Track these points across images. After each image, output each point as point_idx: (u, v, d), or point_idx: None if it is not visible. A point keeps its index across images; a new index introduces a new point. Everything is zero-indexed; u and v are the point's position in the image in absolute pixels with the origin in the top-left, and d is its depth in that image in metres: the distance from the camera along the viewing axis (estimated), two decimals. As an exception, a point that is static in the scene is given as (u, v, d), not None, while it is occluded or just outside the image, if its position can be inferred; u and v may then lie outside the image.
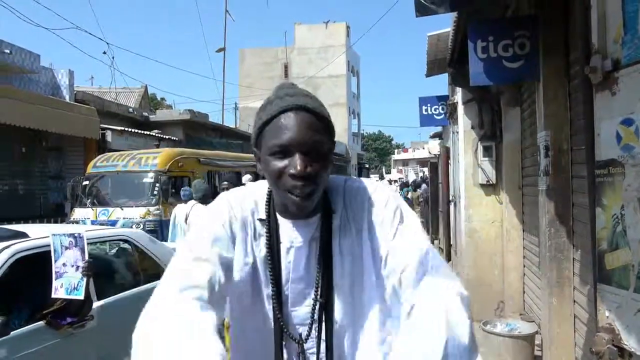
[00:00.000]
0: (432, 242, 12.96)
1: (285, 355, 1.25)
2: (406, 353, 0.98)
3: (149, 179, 9.77)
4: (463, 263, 7.12)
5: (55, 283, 3.14)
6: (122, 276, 4.36)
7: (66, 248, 3.15)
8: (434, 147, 16.55)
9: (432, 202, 13.94)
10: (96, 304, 3.54)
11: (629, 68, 2.34)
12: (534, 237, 5.22)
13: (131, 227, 8.10)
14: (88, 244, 3.20)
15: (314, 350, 1.25)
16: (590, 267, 2.88)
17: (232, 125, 28.70)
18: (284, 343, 1.25)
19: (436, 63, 8.42)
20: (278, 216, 1.27)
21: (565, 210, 3.98)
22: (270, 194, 1.29)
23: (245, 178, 9.15)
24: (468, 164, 6.89)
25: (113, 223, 8.93)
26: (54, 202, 13.53)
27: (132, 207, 9.41)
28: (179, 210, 7.37)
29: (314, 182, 1.15)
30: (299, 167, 1.13)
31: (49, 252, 3.18)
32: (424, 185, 18.43)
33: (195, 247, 1.20)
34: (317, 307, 1.23)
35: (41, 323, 3.18)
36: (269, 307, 1.25)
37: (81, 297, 3.09)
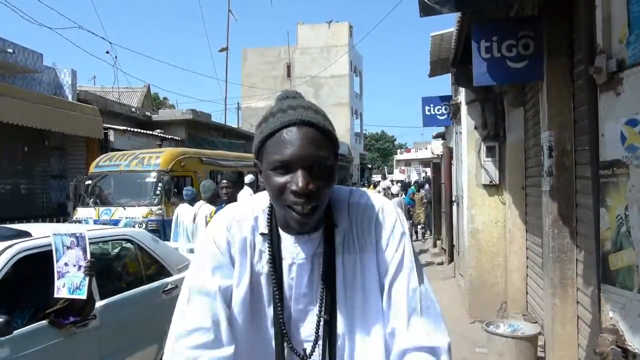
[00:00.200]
0: (435, 243, 12.87)
1: None
2: None
3: (151, 178, 9.77)
4: (466, 264, 7.11)
5: (57, 283, 3.14)
6: (125, 276, 4.36)
7: (68, 248, 3.15)
8: (436, 147, 16.50)
9: (435, 203, 13.93)
10: (99, 304, 3.54)
11: (634, 68, 2.33)
12: (537, 237, 5.21)
13: (134, 226, 8.11)
14: (90, 243, 3.20)
15: None
16: (594, 268, 2.87)
17: (235, 125, 28.70)
18: (286, 357, 1.24)
19: (439, 63, 8.41)
20: (280, 231, 1.26)
21: (569, 211, 3.97)
22: (271, 208, 1.27)
23: (248, 178, 9.14)
24: (471, 165, 6.88)
25: (115, 222, 8.93)
26: (57, 201, 13.55)
27: (134, 206, 9.41)
28: (182, 210, 7.37)
29: (316, 199, 1.13)
30: (300, 184, 1.10)
31: (52, 251, 3.18)
32: (426, 186, 18.40)
33: (196, 280, 1.25)
34: (322, 323, 1.22)
35: (44, 322, 3.19)
36: (271, 324, 1.25)
37: (84, 296, 3.09)
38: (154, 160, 9.95)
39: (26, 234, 3.48)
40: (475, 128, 6.88)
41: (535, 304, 5.55)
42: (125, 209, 9.36)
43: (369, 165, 53.14)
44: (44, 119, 11.26)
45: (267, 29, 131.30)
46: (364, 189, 1.76)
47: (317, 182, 1.12)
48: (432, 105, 10.35)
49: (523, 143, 6.02)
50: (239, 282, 1.24)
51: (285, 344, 1.23)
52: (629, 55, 2.36)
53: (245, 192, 8.50)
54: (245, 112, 36.63)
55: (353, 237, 1.25)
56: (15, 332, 2.95)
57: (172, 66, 48.64)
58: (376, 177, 36.01)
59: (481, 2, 4.49)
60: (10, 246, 3.20)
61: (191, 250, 5.69)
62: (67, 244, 3.15)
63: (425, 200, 16.23)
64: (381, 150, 72.79)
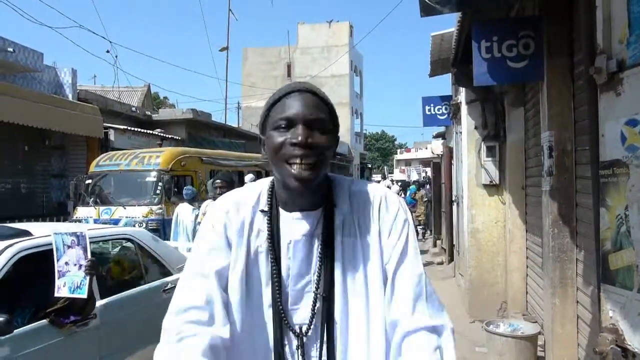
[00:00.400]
0: (435, 243, 12.86)
1: (286, 349, 1.23)
2: None
3: (151, 178, 9.78)
4: (466, 263, 7.12)
5: (57, 282, 3.14)
6: (125, 275, 4.37)
7: (68, 247, 3.15)
8: (437, 147, 16.51)
9: (435, 202, 13.93)
10: (99, 303, 3.54)
11: (634, 69, 2.33)
12: (537, 237, 5.21)
13: (134, 226, 8.11)
14: (91, 242, 3.20)
15: (315, 344, 1.23)
16: (594, 268, 2.87)
17: (235, 125, 28.69)
18: (284, 337, 1.23)
19: (440, 63, 8.41)
20: (280, 210, 1.27)
21: (569, 211, 3.97)
22: (273, 187, 1.29)
23: (248, 178, 9.14)
24: (471, 164, 6.88)
25: (116, 222, 8.94)
26: (57, 200, 13.55)
27: (134, 206, 9.41)
28: (182, 209, 7.38)
29: (314, 155, 1.16)
30: (300, 137, 1.15)
31: (52, 250, 3.18)
32: (427, 186, 18.42)
33: (194, 262, 1.27)
34: (318, 301, 1.22)
35: (44, 321, 3.19)
36: (269, 305, 1.24)
37: (84, 295, 3.09)
38: (154, 160, 9.95)
39: (26, 233, 3.49)
40: (476, 128, 6.88)
41: (535, 304, 5.55)
42: (125, 208, 9.36)
43: (369, 165, 53.12)
44: (45, 118, 11.26)
45: (267, 28, 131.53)
46: None
47: (316, 139, 1.17)
48: (432, 105, 10.35)
49: (523, 143, 6.02)
50: (236, 262, 1.24)
51: (283, 324, 1.22)
52: (629, 56, 2.36)
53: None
54: (246, 112, 36.60)
55: (353, 221, 1.26)
56: (15, 331, 2.96)
57: (173, 65, 48.62)
58: (376, 177, 36.01)
59: (482, 2, 4.49)
60: (10, 245, 3.21)
61: (191, 250, 5.69)
62: (67, 243, 3.15)
63: (426, 199, 16.24)
64: (381, 150, 72.82)
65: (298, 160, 1.15)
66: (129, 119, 16.31)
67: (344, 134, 36.63)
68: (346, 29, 42.13)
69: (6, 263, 3.10)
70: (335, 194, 1.28)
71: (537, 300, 5.40)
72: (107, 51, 17.43)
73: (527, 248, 6.06)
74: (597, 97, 2.65)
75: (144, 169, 9.90)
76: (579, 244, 3.95)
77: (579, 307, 3.96)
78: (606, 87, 2.54)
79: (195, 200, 7.59)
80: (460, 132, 7.98)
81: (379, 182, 23.29)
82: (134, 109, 17.49)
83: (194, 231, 6.78)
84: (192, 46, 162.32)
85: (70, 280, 3.11)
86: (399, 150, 70.66)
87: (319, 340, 1.23)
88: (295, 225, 1.25)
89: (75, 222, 8.92)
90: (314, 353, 1.23)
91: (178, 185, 9.93)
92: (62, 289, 3.12)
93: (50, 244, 3.19)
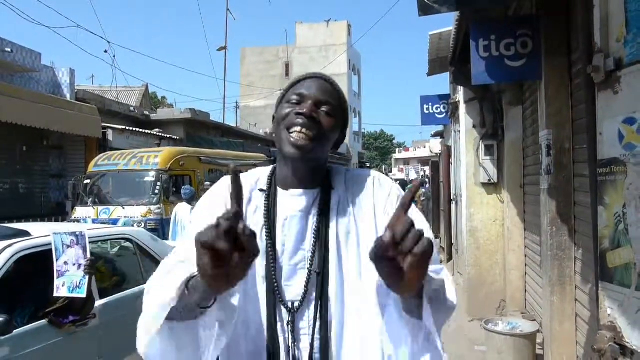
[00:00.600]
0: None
1: (278, 325, 1.23)
2: None
3: (150, 177, 9.77)
4: (465, 262, 7.13)
5: (57, 282, 3.14)
6: (124, 275, 4.37)
7: (68, 247, 3.16)
8: (435, 146, 16.55)
9: (434, 201, 13.94)
10: (98, 303, 3.55)
11: (632, 67, 2.34)
12: (536, 235, 5.22)
13: (132, 225, 8.12)
14: (90, 242, 3.20)
15: (308, 321, 1.23)
16: (592, 266, 2.88)
17: (233, 124, 28.67)
18: (277, 312, 1.23)
19: (438, 62, 8.43)
20: (279, 189, 1.31)
21: (567, 209, 3.98)
22: (274, 169, 1.34)
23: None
24: (470, 163, 6.89)
25: (114, 222, 8.93)
26: (55, 200, 13.53)
27: (133, 205, 9.41)
28: (180, 209, 7.39)
29: (315, 128, 1.23)
30: (307, 107, 1.23)
31: (51, 250, 3.18)
32: (426, 185, 18.44)
33: (192, 231, 1.23)
34: (311, 276, 1.23)
35: (44, 321, 3.19)
36: (262, 280, 1.24)
37: (84, 295, 3.10)
38: (153, 160, 9.95)
39: (25, 233, 3.49)
40: (474, 127, 6.90)
41: (533, 302, 5.56)
42: (124, 208, 9.36)
43: (368, 164, 53.13)
44: (43, 118, 11.24)
45: (265, 28, 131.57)
46: None
47: (322, 117, 1.25)
48: (430, 103, 10.36)
49: (521, 141, 6.03)
50: None
51: (276, 299, 1.22)
52: (627, 54, 2.37)
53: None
54: (244, 111, 36.62)
55: (348, 200, 1.30)
56: (15, 331, 2.96)
57: (171, 65, 48.67)
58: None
59: (480, 1, 4.49)
60: (9, 245, 3.20)
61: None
62: (67, 242, 3.16)
63: (424, 198, 16.26)
64: (380, 149, 72.80)
65: (298, 129, 1.22)
66: (127, 118, 16.29)
67: (343, 133, 36.54)
68: (344, 28, 42.12)
69: (5, 263, 3.09)
70: (332, 178, 1.34)
71: (535, 298, 5.41)
72: (105, 51, 17.32)
73: (525, 246, 6.07)
74: (594, 95, 2.66)
75: (142, 169, 9.89)
76: (577, 242, 3.96)
77: (577, 305, 3.97)
78: (604, 85, 2.54)
79: (194, 199, 7.58)
80: (459, 131, 8.00)
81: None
82: (132, 108, 17.47)
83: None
84: (190, 46, 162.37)
85: (70, 280, 3.12)
86: (397, 149, 70.75)
87: (312, 317, 1.23)
88: (291, 202, 1.28)
89: (74, 222, 8.91)
90: (306, 331, 1.23)
91: (176, 185, 9.93)
92: (61, 289, 3.13)
93: (49, 244, 3.19)
